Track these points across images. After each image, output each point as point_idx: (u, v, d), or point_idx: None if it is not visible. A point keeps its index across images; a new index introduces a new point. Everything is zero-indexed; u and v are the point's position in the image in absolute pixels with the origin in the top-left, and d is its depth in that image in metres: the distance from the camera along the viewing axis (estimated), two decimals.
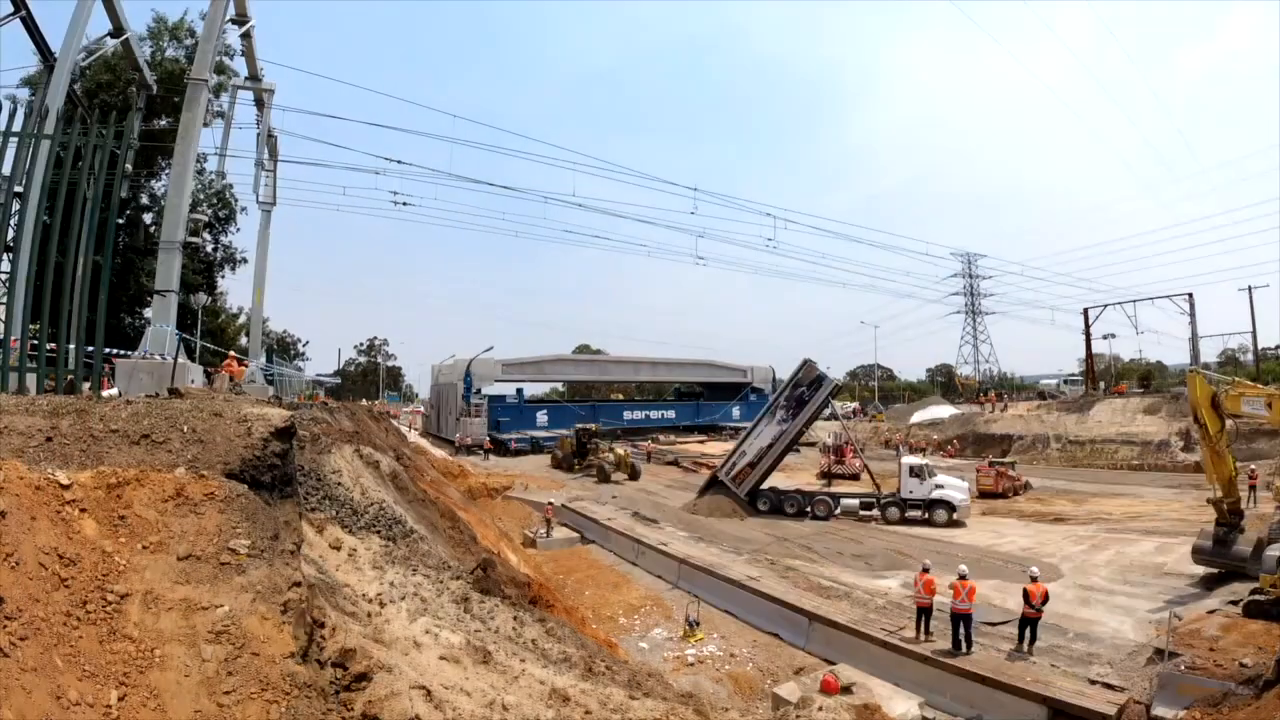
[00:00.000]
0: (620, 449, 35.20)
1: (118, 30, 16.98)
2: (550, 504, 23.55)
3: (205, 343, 21.46)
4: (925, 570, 12.03)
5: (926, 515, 21.84)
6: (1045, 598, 11.25)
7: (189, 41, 26.30)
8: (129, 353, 13.81)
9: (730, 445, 44.90)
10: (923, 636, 11.63)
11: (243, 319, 36.61)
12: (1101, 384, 51.85)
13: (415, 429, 47.32)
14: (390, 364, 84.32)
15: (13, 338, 9.92)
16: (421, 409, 63.41)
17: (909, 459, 24.53)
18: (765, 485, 25.06)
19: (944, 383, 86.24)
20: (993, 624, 12.41)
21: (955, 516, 21.67)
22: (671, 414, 56.31)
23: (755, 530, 21.65)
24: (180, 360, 12.78)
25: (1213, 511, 14.82)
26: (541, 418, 48.26)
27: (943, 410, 56.68)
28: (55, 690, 3.19)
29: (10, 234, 10.69)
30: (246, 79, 22.04)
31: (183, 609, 3.95)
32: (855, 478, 30.86)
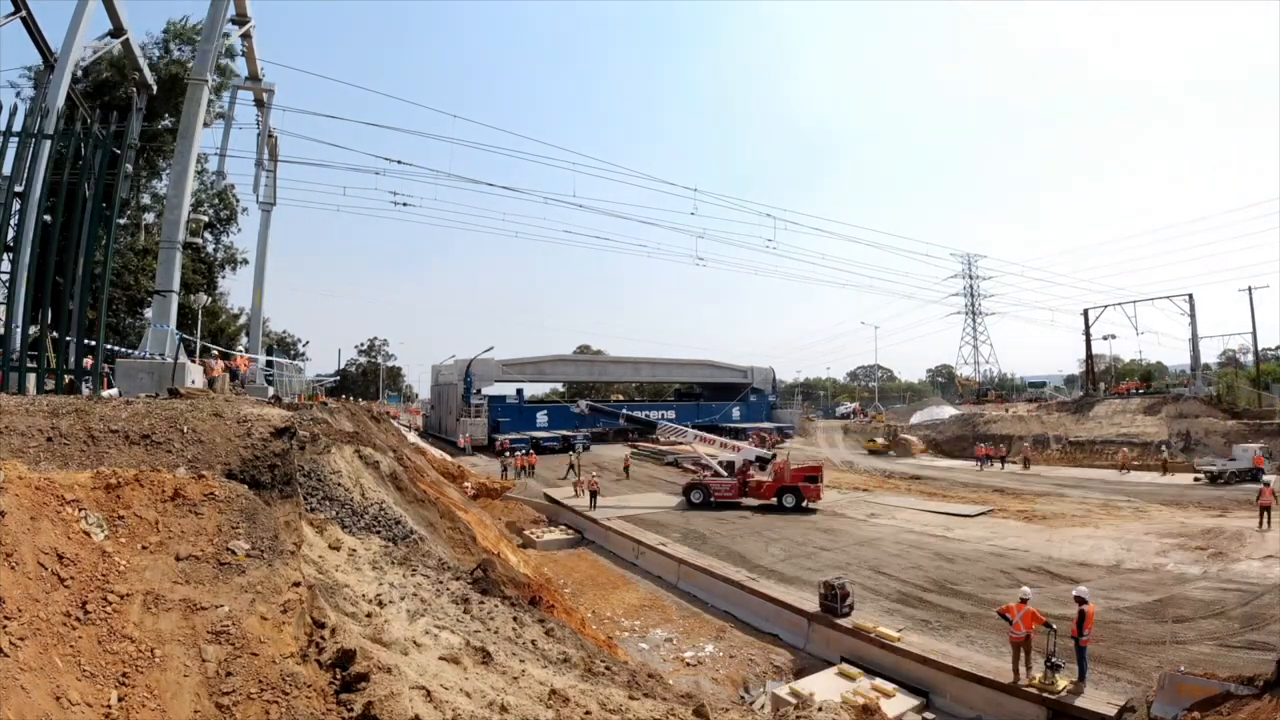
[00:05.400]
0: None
1: (118, 30, 16.97)
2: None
3: (205, 343, 21.44)
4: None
5: None
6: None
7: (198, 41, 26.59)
8: (129, 352, 13.82)
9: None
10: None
11: (243, 319, 36.63)
12: (1101, 385, 51.82)
13: (415, 429, 47.28)
14: (390, 364, 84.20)
15: (13, 338, 9.93)
16: (422, 409, 63.38)
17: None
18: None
19: (944, 383, 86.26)
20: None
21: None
22: (671, 414, 56.19)
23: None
24: (180, 360, 12.77)
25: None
26: (542, 418, 48.22)
27: (943, 411, 56.68)
28: (55, 690, 3.19)
29: (10, 234, 10.71)
30: (247, 79, 22.05)
31: (182, 609, 3.95)
32: None
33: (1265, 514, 18.97)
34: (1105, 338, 52.14)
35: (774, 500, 25.22)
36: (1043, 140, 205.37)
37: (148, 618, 3.83)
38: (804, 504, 24.84)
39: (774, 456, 27.92)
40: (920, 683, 10.79)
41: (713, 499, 25.89)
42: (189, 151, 14.59)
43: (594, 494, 25.48)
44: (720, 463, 27.33)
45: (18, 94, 22.11)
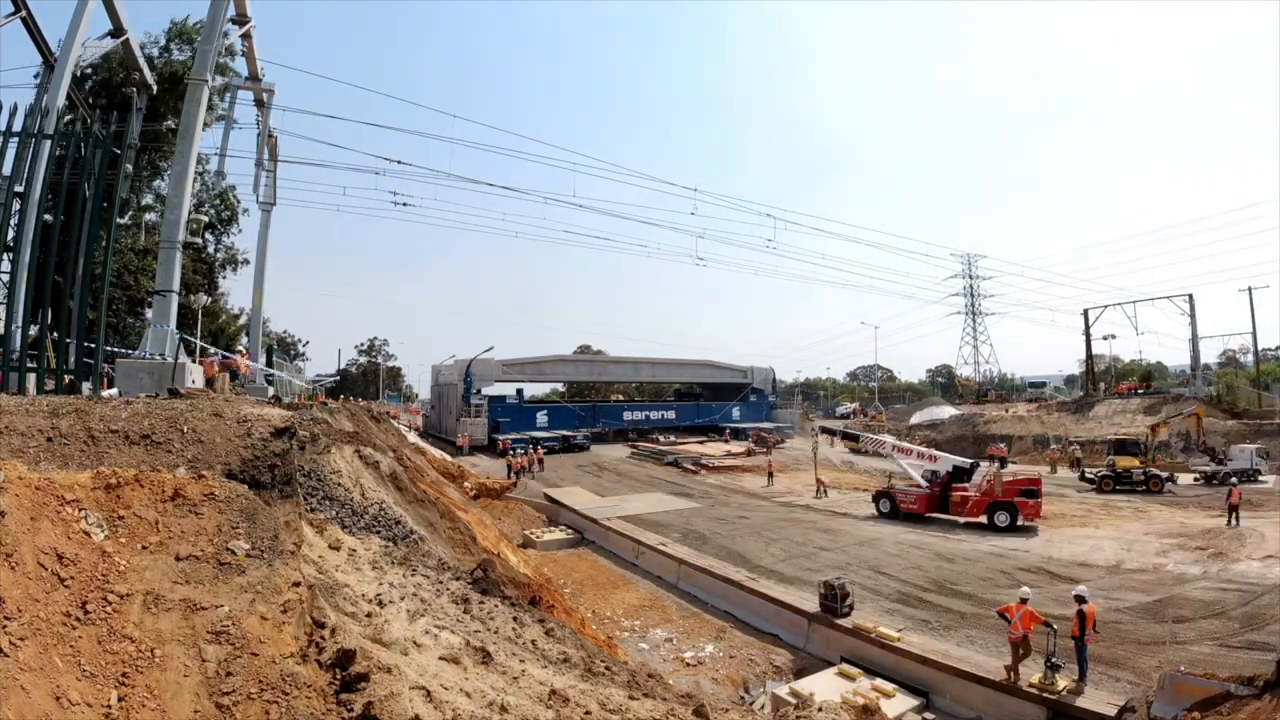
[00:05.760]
0: None
1: (118, 30, 16.98)
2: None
3: (204, 343, 21.46)
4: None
5: None
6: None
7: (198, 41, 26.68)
8: (129, 352, 13.83)
9: (730, 445, 44.90)
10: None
11: (243, 319, 36.67)
12: (1101, 385, 51.84)
13: (415, 429, 47.25)
14: (390, 364, 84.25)
15: (13, 338, 9.92)
16: (421, 409, 63.36)
17: None
18: None
19: (944, 383, 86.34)
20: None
21: None
22: (671, 414, 56.22)
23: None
24: (181, 360, 12.78)
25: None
26: (542, 418, 48.19)
27: (943, 411, 56.68)
28: (55, 690, 3.19)
29: (10, 234, 10.71)
30: (247, 79, 22.09)
31: (182, 609, 3.95)
32: None
33: (1234, 512, 19.35)
34: (1105, 338, 52.30)
35: (983, 518, 21.27)
36: (1043, 140, 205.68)
37: (148, 618, 3.83)
38: (1018, 522, 20.68)
39: (998, 465, 23.68)
40: (920, 683, 10.79)
41: (901, 511, 23.21)
42: (189, 151, 14.60)
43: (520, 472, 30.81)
44: (925, 474, 24.04)
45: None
